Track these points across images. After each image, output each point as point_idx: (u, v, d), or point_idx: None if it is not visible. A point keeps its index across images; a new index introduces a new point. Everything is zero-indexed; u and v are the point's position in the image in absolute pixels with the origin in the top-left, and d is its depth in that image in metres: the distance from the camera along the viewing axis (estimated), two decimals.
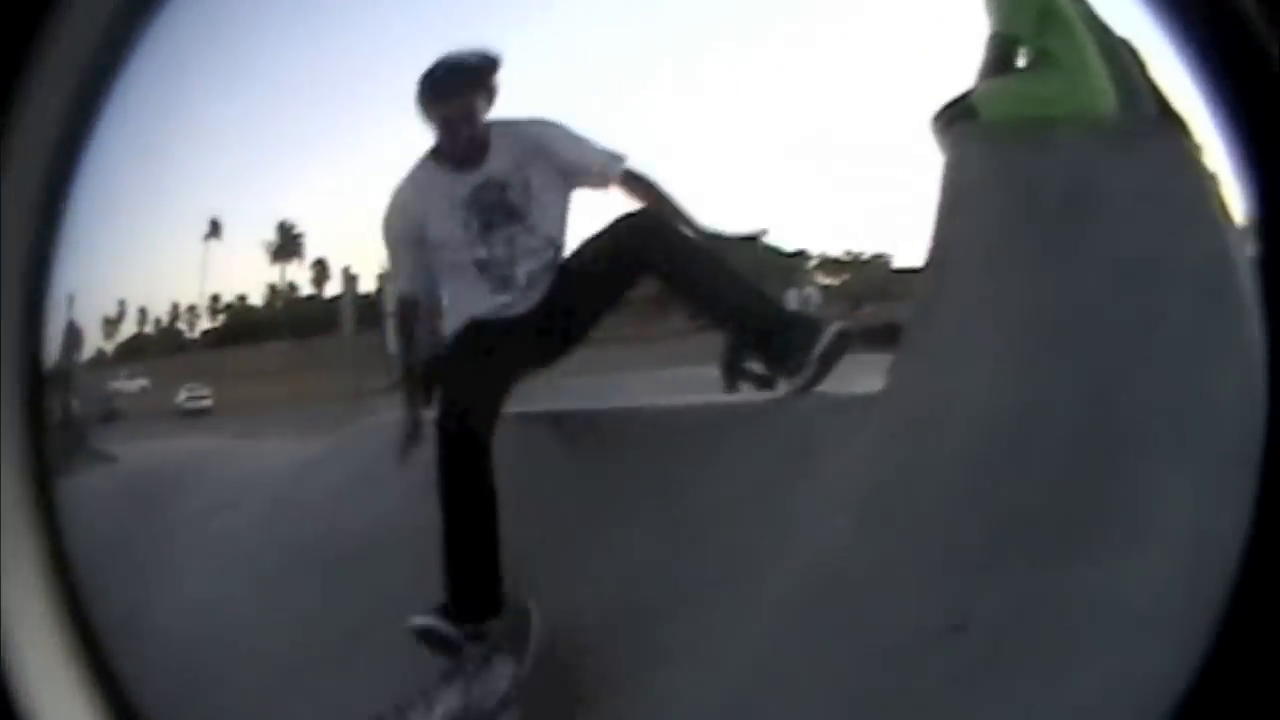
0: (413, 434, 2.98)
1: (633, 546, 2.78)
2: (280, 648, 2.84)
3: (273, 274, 5.56)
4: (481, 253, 3.10)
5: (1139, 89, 2.63)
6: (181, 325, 6.26)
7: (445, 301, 3.21)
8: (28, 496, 1.44)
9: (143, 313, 6.40)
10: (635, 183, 3.18)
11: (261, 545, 3.35)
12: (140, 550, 3.05)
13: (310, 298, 5.46)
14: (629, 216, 3.08)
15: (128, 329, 6.52)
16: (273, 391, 5.27)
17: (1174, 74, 1.51)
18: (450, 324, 3.14)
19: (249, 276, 5.77)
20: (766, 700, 2.37)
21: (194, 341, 6.05)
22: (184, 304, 6.29)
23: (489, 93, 3.12)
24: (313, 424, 4.57)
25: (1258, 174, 1.41)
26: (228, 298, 6.11)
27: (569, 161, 3.14)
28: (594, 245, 3.09)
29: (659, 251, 3.03)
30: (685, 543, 2.70)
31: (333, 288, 5.44)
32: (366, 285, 4.81)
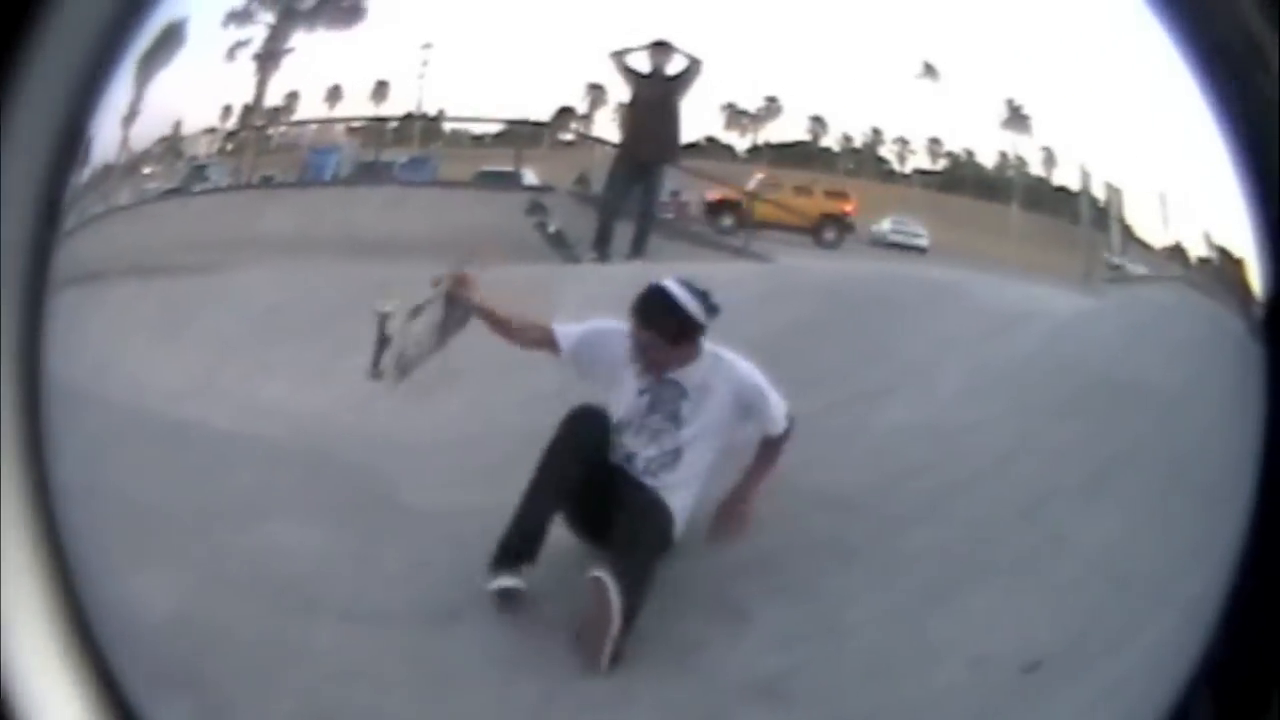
0: None
1: None
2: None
3: (1001, 141, 6.03)
4: (634, 424, 3.77)
5: None
6: (888, 154, 6.87)
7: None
8: (25, 488, 1.55)
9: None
10: (771, 449, 3.82)
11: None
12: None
13: (1040, 179, 5.93)
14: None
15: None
16: (992, 248, 6.04)
17: (1176, 76, 1.69)
18: None
19: (975, 135, 6.23)
20: None
21: (903, 175, 6.70)
22: (891, 135, 6.85)
23: (687, 345, 3.76)
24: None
25: (1258, 175, 1.57)
26: (951, 147, 6.64)
27: (759, 416, 3.77)
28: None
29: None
30: None
31: (1060, 175, 5.87)
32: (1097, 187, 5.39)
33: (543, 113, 7.06)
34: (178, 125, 5.79)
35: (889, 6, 5.56)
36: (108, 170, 4.78)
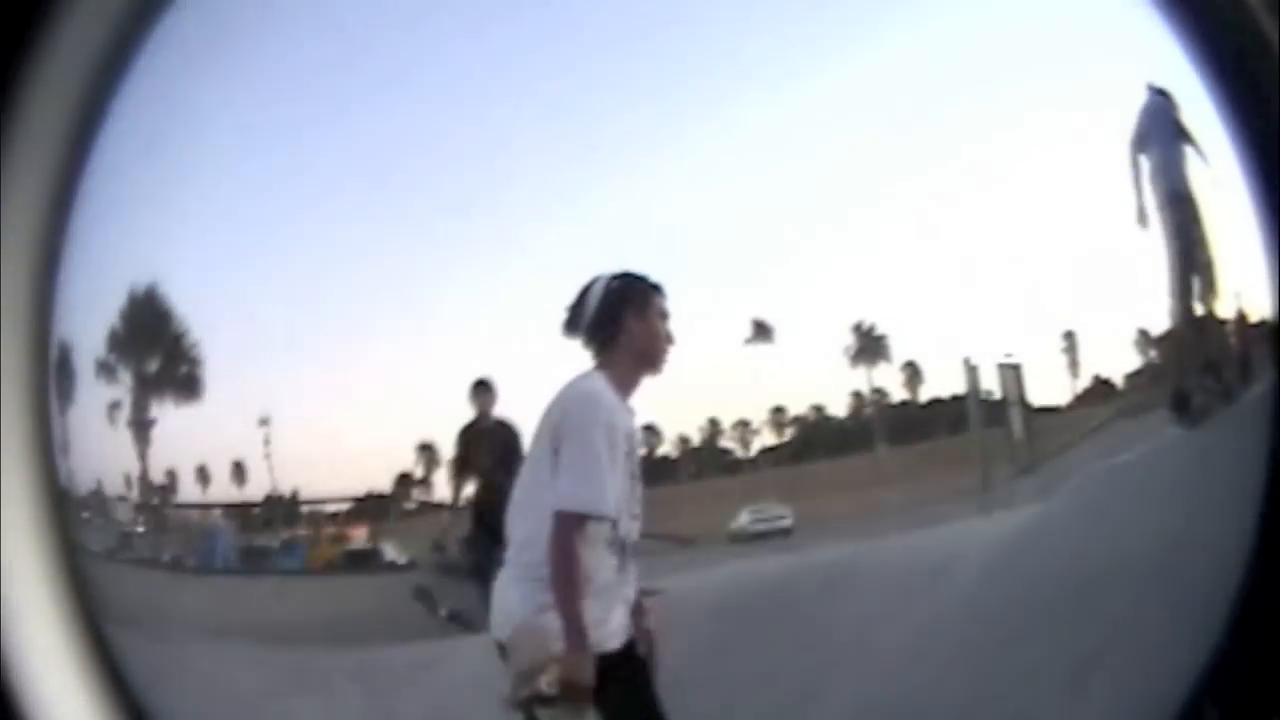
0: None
1: None
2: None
3: (852, 379, 5.86)
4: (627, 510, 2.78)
5: None
6: (729, 443, 6.65)
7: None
8: (36, 494, 1.55)
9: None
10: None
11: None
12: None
13: (904, 403, 5.77)
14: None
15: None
16: (867, 500, 5.73)
17: (1181, 73, 1.69)
18: None
19: (816, 384, 6.09)
20: None
21: (749, 461, 6.44)
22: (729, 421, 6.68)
23: None
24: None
25: (1261, 164, 1.56)
26: (797, 409, 6.46)
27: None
28: None
29: None
30: None
31: (929, 389, 5.74)
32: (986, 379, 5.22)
33: (383, 484, 7.21)
34: (100, 482, 5.53)
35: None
36: None
